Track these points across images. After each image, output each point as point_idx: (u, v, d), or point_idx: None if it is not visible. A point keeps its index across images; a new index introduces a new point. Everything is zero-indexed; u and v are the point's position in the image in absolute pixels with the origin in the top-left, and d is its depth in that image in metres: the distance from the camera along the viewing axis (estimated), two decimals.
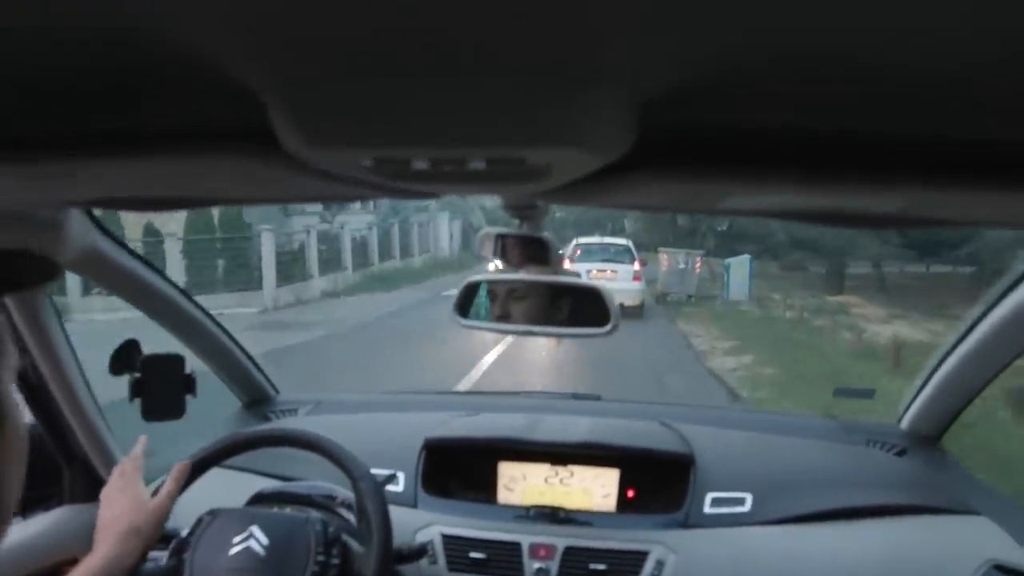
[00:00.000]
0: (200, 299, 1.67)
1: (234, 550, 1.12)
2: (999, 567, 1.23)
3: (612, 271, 10.20)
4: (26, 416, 0.57)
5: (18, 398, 0.52)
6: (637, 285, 9.94)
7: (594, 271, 10.00)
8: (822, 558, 1.29)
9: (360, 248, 18.16)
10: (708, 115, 0.41)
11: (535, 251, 0.95)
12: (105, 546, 1.04)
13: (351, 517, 1.23)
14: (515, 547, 1.35)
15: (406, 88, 0.35)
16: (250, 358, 1.86)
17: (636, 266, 10.42)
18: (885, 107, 0.38)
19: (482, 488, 1.51)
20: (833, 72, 0.34)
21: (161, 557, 1.17)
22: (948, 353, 1.49)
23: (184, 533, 1.18)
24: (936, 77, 0.34)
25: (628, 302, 9.45)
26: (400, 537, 1.22)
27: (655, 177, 0.47)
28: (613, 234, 12.87)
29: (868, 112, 0.39)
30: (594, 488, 1.47)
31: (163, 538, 1.20)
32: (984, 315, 1.38)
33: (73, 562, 1.32)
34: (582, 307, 1.00)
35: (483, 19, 0.28)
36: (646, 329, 9.63)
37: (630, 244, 11.26)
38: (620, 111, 0.37)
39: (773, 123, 0.42)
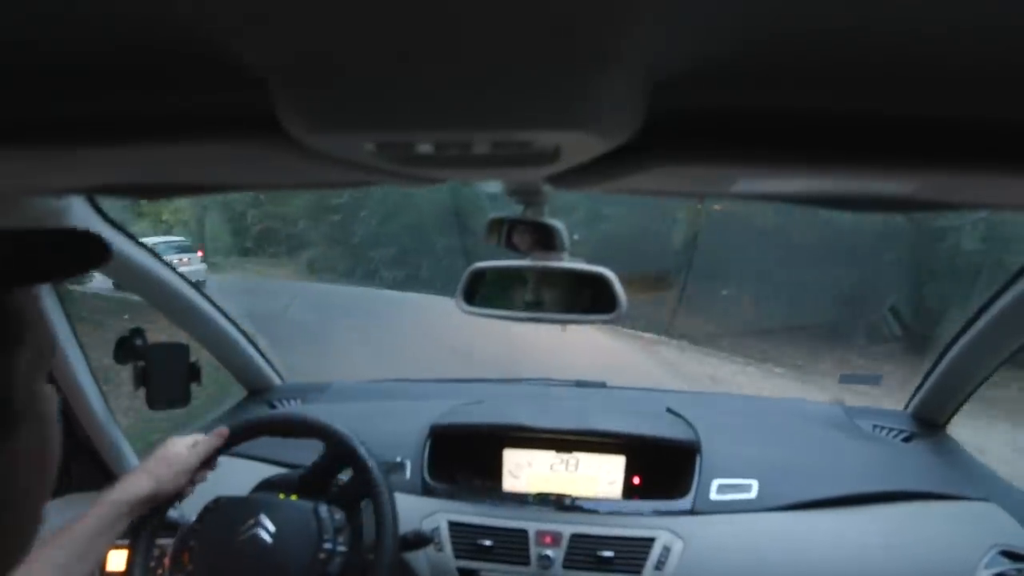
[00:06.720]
0: None
1: (241, 537, 1.13)
2: (1005, 553, 1.23)
3: None
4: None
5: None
6: None
7: None
8: (828, 544, 1.29)
9: None
10: (720, 97, 0.40)
11: (542, 237, 0.94)
12: (131, 477, 1.10)
13: (358, 504, 1.24)
14: (521, 534, 1.36)
15: (409, 71, 0.34)
16: (255, 345, 1.86)
17: None
18: (899, 88, 0.38)
19: (488, 475, 1.51)
20: (846, 52, 0.33)
21: (168, 544, 1.18)
22: (954, 341, 1.49)
23: (191, 521, 1.18)
24: (951, 56, 0.33)
25: None
26: (406, 524, 1.22)
27: (665, 161, 0.46)
28: None
29: (882, 93, 0.38)
30: (600, 475, 1.48)
31: (170, 526, 1.20)
32: (990, 303, 1.38)
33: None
34: (590, 293, 0.99)
35: (488, 1, 0.28)
36: None
37: None
38: (630, 93, 0.36)
39: (785, 105, 0.41)
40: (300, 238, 13.43)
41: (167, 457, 1.13)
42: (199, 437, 1.18)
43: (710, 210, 7.70)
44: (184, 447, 1.15)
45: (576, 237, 0.99)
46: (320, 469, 1.27)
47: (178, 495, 1.14)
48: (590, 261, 0.98)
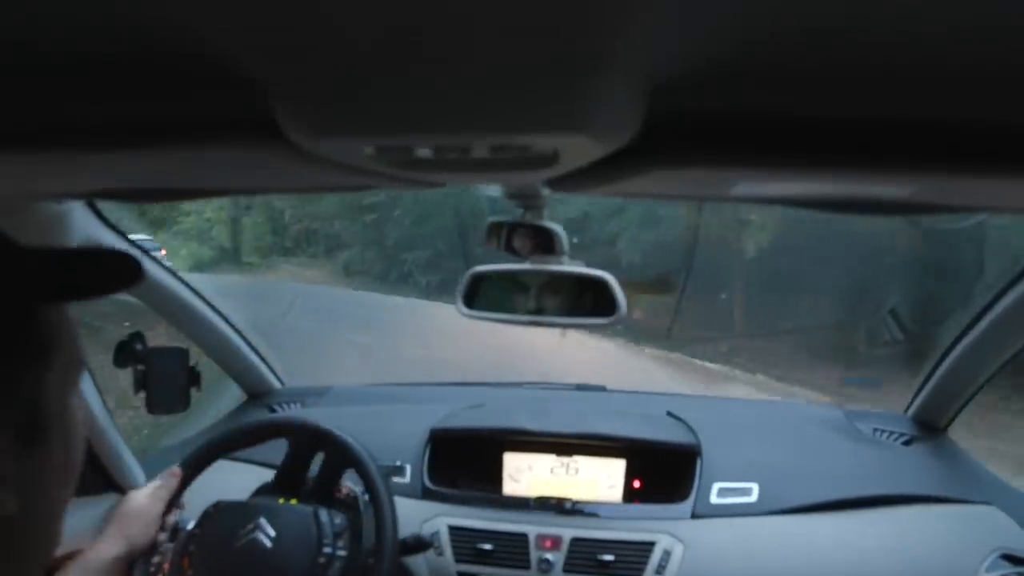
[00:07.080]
0: None
1: (241, 542, 1.12)
2: (1007, 556, 1.23)
3: None
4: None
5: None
6: None
7: None
8: (829, 548, 1.29)
9: None
10: (717, 100, 0.40)
11: (542, 241, 0.94)
12: (100, 542, 1.08)
13: (358, 509, 1.23)
14: (522, 538, 1.35)
15: (408, 76, 0.34)
16: (255, 349, 1.85)
17: None
18: (899, 89, 0.38)
19: (488, 479, 1.51)
20: (846, 53, 0.33)
21: (168, 550, 1.18)
22: (955, 343, 1.48)
23: (191, 526, 1.18)
24: (951, 57, 0.33)
25: None
26: (406, 529, 1.22)
27: (664, 164, 0.46)
28: None
29: (881, 95, 0.38)
30: (600, 479, 1.47)
31: (170, 531, 1.20)
32: (991, 305, 1.37)
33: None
34: (590, 296, 0.99)
35: (486, 4, 0.28)
36: None
37: None
38: (628, 96, 0.36)
39: (784, 107, 0.41)
40: (337, 238, 13.06)
41: (131, 514, 1.12)
42: (158, 483, 1.18)
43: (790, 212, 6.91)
44: (144, 498, 1.14)
45: (576, 241, 0.99)
46: (289, 464, 1.28)
47: (152, 546, 1.13)
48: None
